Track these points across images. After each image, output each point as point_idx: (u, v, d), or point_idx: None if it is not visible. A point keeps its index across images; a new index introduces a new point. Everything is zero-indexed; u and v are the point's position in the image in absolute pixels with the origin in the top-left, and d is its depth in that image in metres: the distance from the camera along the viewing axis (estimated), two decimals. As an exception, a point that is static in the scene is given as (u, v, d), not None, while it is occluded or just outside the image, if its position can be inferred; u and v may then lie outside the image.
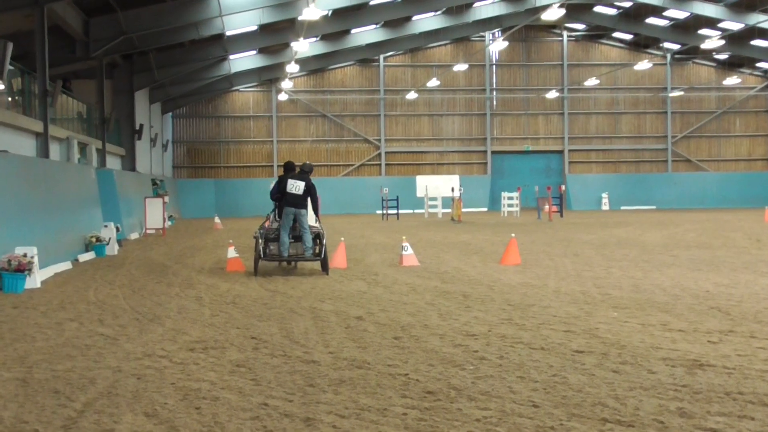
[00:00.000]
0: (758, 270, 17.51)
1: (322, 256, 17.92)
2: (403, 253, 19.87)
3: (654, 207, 61.56)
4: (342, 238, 21.81)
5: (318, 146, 60.50)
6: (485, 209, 59.58)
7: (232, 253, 19.22)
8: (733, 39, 54.25)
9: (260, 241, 18.21)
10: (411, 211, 56.99)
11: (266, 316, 12.38)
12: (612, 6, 54.03)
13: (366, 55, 57.20)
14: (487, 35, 58.92)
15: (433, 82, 55.82)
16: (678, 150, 62.84)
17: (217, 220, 43.76)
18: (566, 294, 14.36)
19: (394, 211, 49.73)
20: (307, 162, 22.55)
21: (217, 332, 10.86)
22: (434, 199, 53.05)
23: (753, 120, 63.45)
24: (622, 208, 60.87)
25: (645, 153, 63.34)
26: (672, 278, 16.35)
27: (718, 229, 32.46)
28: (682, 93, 60.29)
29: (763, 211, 43.59)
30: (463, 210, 49.78)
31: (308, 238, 18.29)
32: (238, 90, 58.21)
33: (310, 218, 18.87)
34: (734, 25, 50.53)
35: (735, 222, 38.53)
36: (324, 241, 18.07)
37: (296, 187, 18.77)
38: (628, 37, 59.84)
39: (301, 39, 39.70)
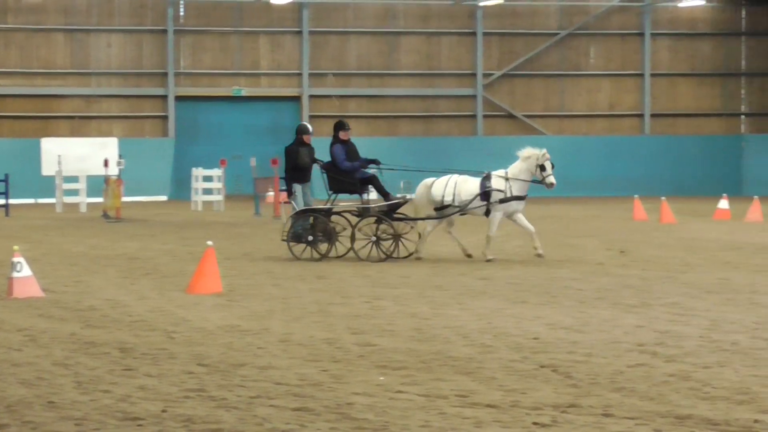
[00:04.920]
0: (621, 302, 16.10)
1: None
2: (15, 275, 17.26)
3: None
4: None
5: None
6: (165, 197, 52.93)
7: None
8: None
9: None
10: (32, 200, 49.62)
11: None
12: None
13: None
14: None
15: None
16: (494, 98, 57.19)
17: None
18: (302, 345, 12.48)
19: (2, 201, 43.20)
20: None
21: None
22: (74, 179, 46.59)
23: (618, 48, 58.75)
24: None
25: (440, 102, 57.56)
26: (480, 316, 14.55)
27: (561, 233, 29.70)
28: (502, 0, 55.74)
29: (629, 202, 38.03)
30: (125, 199, 43.22)
31: None
32: None
33: None
34: None
35: (587, 220, 35.88)
36: None
37: None
38: None
39: None
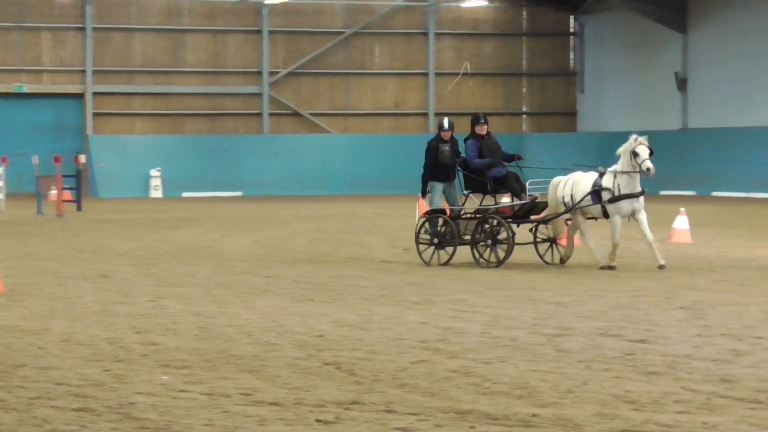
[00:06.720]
0: (404, 299, 16.12)
1: None
2: None
3: (241, 193, 55.27)
4: None
5: None
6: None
7: None
8: None
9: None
10: None
11: None
12: None
13: None
14: None
15: None
16: (280, 97, 57.03)
17: None
18: (83, 344, 12.14)
19: None
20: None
21: None
22: None
23: (402, 47, 58.66)
24: (186, 194, 54.04)
25: (226, 100, 57.10)
26: (265, 315, 14.42)
27: (347, 231, 29.94)
28: (287, 0, 56.40)
29: (414, 200, 35.32)
30: None
31: None
32: None
33: None
34: None
35: (373, 218, 35.69)
36: None
37: None
38: None
39: None
